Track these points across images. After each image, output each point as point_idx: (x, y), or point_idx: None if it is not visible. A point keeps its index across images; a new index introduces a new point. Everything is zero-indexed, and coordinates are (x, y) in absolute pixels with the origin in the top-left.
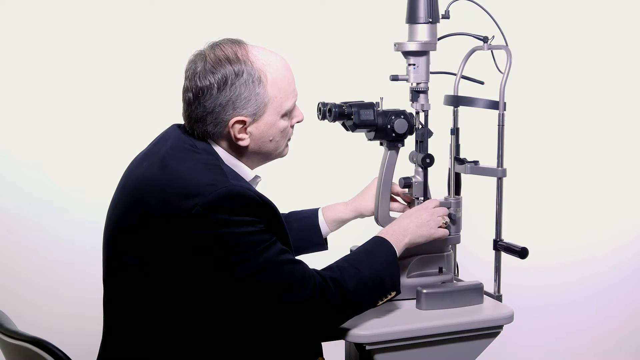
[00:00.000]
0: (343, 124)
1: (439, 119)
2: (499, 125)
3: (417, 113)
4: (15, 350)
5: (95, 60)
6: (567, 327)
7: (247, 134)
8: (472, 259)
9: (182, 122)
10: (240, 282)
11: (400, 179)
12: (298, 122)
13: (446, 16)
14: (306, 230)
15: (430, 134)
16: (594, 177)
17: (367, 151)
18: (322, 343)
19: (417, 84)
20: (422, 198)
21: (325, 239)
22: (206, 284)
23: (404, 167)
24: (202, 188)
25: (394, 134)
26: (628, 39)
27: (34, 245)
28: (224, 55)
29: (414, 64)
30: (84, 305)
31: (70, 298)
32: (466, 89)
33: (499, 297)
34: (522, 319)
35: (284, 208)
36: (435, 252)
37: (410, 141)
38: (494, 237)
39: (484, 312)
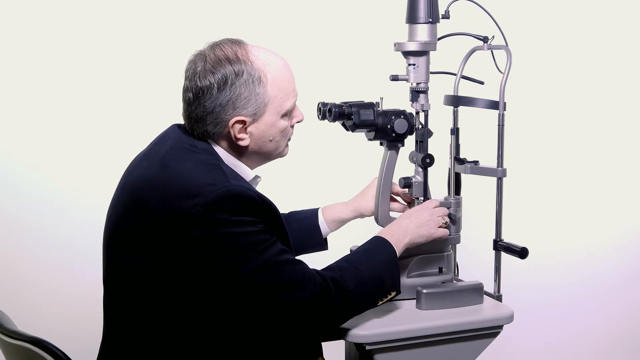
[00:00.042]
0: (343, 124)
1: (439, 119)
2: (499, 125)
3: (417, 113)
4: (15, 350)
5: (96, 60)
6: (567, 327)
7: (247, 134)
8: (472, 259)
9: (182, 122)
10: (240, 282)
11: (400, 179)
12: (298, 122)
13: (446, 16)
14: (306, 230)
15: (430, 134)
16: (594, 177)
17: (367, 151)
18: (322, 343)
19: (417, 84)
20: (422, 198)
21: (325, 239)
22: (206, 284)
23: (404, 167)
24: (202, 188)
25: (394, 134)
26: (628, 39)
27: (34, 245)
28: (224, 55)
29: (414, 64)
30: (84, 305)
31: (70, 298)
32: (466, 89)
33: (499, 297)
34: (522, 319)
35: (284, 208)
36: (435, 252)
37: (410, 141)
38: (494, 237)
39: (484, 312)
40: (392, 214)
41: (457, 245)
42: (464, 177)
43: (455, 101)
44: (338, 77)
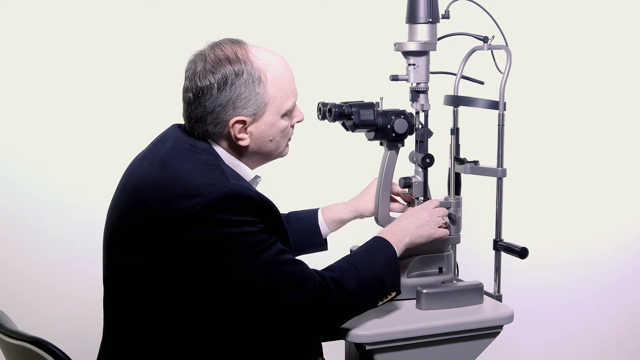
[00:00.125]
0: (343, 124)
1: (439, 119)
2: (499, 125)
3: (417, 113)
4: (15, 350)
5: (96, 61)
6: (567, 327)
7: (247, 133)
8: (472, 259)
9: (182, 122)
10: (240, 282)
11: (400, 179)
12: (298, 122)
13: (446, 16)
14: (306, 230)
15: (430, 134)
16: (594, 177)
17: (367, 151)
18: (322, 343)
19: (417, 84)
20: (422, 198)
21: (325, 239)
22: (206, 284)
23: (404, 167)
24: (202, 188)
25: (394, 134)
26: (628, 39)
27: (34, 245)
28: (224, 55)
29: (414, 64)
30: (84, 305)
31: (70, 298)
32: (466, 89)
33: (499, 297)
34: (522, 319)
35: (284, 208)
36: (435, 252)
37: (410, 141)
38: (494, 237)
39: (484, 312)
40: (392, 214)
41: (457, 245)
42: (464, 177)
43: (455, 101)
44: (338, 77)
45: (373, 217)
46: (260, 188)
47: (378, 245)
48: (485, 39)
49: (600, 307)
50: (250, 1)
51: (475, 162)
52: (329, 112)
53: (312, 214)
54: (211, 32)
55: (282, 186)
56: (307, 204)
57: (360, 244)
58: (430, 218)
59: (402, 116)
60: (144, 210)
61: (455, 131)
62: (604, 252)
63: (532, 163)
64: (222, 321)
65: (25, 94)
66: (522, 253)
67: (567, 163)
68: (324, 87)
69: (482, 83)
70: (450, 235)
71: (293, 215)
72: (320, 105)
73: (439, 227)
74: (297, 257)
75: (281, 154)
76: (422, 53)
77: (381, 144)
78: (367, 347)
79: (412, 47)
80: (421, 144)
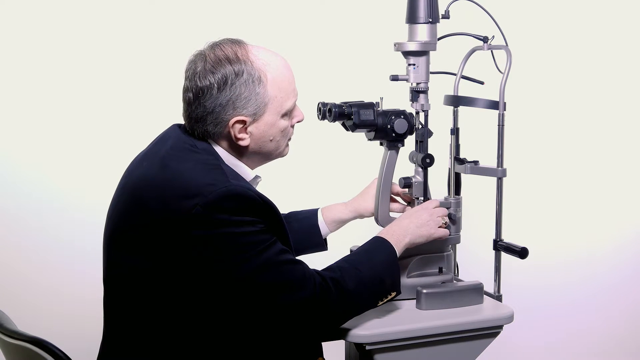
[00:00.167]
0: (343, 124)
1: (439, 119)
2: (499, 125)
3: (417, 113)
4: (15, 350)
5: (96, 61)
6: (567, 327)
7: (247, 133)
8: (472, 259)
9: (182, 122)
10: (240, 282)
11: (400, 179)
12: (298, 121)
13: (446, 16)
14: (306, 230)
15: (430, 134)
16: (594, 177)
17: (367, 151)
18: (322, 343)
19: (417, 84)
20: (422, 198)
21: (325, 239)
22: (206, 284)
23: (404, 167)
24: (202, 188)
25: (394, 134)
26: (628, 39)
27: (34, 245)
28: (224, 55)
29: (414, 64)
30: (84, 305)
31: (70, 298)
32: (466, 89)
33: (499, 297)
34: (522, 319)
35: (284, 208)
36: (435, 252)
37: (410, 141)
38: (494, 237)
39: (484, 312)
40: (392, 214)
41: (457, 245)
42: (464, 177)
43: (455, 101)
44: (338, 77)
45: (373, 217)
46: (260, 188)
47: (378, 245)
48: (485, 39)
49: (600, 307)
50: (250, 1)
51: (475, 162)
52: (329, 112)
53: (312, 214)
54: (211, 32)
55: (282, 186)
56: (307, 204)
57: (360, 244)
58: (430, 218)
59: (402, 116)
60: (144, 210)
61: (455, 131)
62: (604, 252)
63: (532, 163)
64: (222, 321)
65: (25, 94)
66: (522, 253)
67: (567, 163)
68: (324, 87)
69: (482, 83)
70: (450, 235)
71: (293, 215)
72: (320, 105)
73: (439, 227)
74: (297, 257)
75: (281, 154)
76: (422, 53)
77: (381, 144)
78: (367, 347)
79: (412, 47)
80: (421, 144)
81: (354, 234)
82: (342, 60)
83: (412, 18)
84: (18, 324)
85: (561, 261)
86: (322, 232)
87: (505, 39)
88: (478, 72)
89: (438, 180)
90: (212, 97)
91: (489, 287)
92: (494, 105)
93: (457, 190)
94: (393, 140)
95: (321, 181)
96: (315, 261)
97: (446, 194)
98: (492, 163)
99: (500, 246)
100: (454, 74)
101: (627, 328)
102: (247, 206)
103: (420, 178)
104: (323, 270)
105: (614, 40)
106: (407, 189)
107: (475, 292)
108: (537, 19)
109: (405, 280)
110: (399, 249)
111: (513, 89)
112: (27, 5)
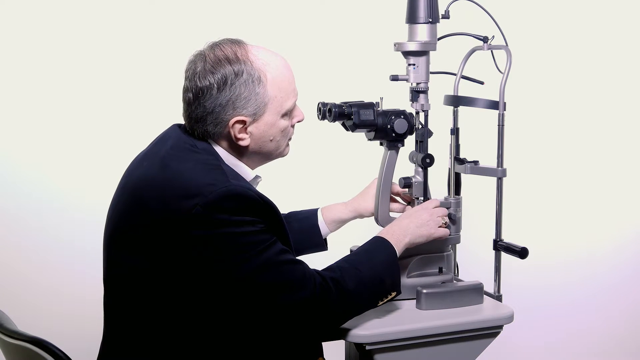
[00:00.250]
0: (343, 124)
1: (439, 119)
2: (499, 125)
3: (417, 113)
4: (15, 350)
5: (96, 61)
6: (567, 327)
7: (247, 133)
8: (472, 259)
9: (182, 122)
10: (240, 282)
11: (400, 179)
12: (298, 121)
13: (446, 16)
14: (306, 230)
15: (430, 134)
16: (593, 177)
17: (367, 151)
18: (322, 343)
19: (417, 84)
20: (422, 198)
21: (325, 239)
22: (206, 284)
23: (404, 167)
24: (202, 188)
25: (394, 134)
26: (628, 39)
27: (34, 245)
28: (224, 55)
29: (414, 64)
30: (84, 305)
31: (70, 298)
32: (466, 89)
33: (499, 297)
34: (522, 319)
35: (284, 208)
36: (435, 252)
37: (410, 141)
38: (494, 237)
39: (484, 312)
40: (392, 214)
41: (457, 245)
42: (464, 177)
43: (455, 101)
44: (338, 77)
45: (373, 217)
46: (260, 188)
47: (378, 245)
48: (485, 39)
49: (600, 307)
50: (250, 1)
51: (475, 162)
52: (329, 112)
53: (312, 214)
54: (211, 32)
55: (282, 186)
56: (307, 204)
57: (360, 244)
58: (430, 218)
59: (402, 116)
60: (144, 210)
61: (455, 131)
62: (604, 252)
63: (532, 163)
64: (222, 321)
65: (25, 94)
66: (522, 253)
67: (567, 163)
68: (324, 87)
69: (482, 83)
70: (450, 235)
71: (293, 215)
72: (320, 105)
73: (439, 227)
74: (297, 257)
75: (281, 154)
76: (422, 53)
77: (381, 144)
78: (367, 347)
79: (412, 47)
80: (421, 144)
81: (354, 234)
82: (342, 60)
83: (412, 18)
84: (18, 324)
85: (561, 261)
86: (322, 232)
87: (505, 39)
88: (478, 72)
89: (438, 180)
90: (212, 97)
91: (489, 287)
92: (494, 105)
93: (457, 190)
94: (393, 140)
95: (321, 181)
96: (315, 261)
97: (446, 194)
98: (492, 163)
99: (500, 246)
100: (454, 74)
101: (627, 328)
102: (247, 206)
103: (420, 178)
104: (323, 270)
105: (614, 40)
106: (407, 189)
107: (475, 292)
108: (537, 19)
109: (405, 280)
110: (399, 249)
111: (513, 89)
112: (27, 5)
